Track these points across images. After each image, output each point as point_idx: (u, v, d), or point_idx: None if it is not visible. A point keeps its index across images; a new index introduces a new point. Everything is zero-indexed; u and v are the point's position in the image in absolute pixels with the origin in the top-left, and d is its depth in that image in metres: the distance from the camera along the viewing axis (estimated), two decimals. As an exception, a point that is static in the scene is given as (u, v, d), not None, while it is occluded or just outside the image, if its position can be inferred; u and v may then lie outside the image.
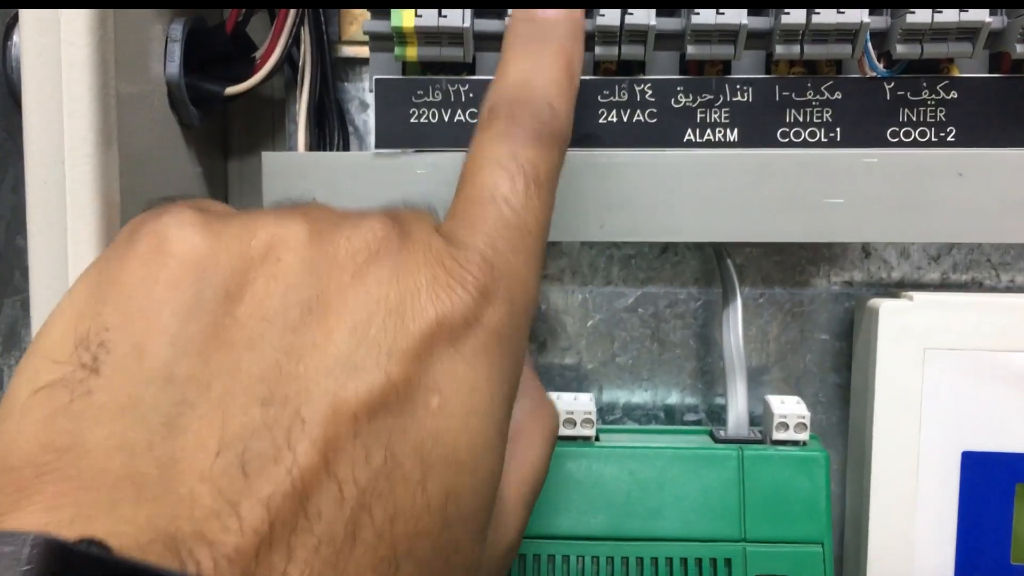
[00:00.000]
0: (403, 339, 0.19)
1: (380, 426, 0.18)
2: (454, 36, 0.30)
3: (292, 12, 0.33)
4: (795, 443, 0.32)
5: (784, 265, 0.37)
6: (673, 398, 0.37)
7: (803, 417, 0.32)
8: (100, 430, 0.17)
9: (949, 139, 0.31)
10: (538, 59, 0.24)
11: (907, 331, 0.32)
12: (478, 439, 0.19)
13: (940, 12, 0.29)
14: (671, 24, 0.30)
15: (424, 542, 0.18)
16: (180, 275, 0.18)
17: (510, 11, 0.26)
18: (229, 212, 0.21)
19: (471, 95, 0.32)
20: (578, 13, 0.26)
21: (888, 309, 0.32)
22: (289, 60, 0.35)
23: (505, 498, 0.22)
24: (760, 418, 0.35)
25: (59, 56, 0.27)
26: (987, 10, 0.29)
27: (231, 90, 0.33)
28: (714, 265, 0.37)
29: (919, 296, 0.32)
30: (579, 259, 0.37)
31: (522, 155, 0.22)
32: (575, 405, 0.33)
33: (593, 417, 0.33)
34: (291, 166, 0.32)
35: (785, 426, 0.32)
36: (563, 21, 0.25)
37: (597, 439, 0.33)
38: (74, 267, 0.27)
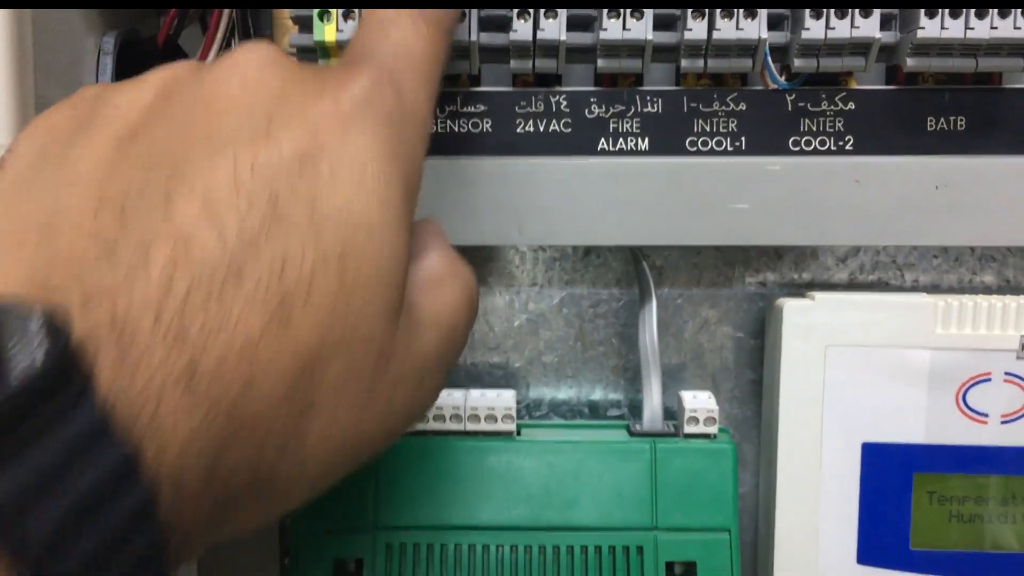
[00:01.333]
0: (288, 113, 0.19)
1: (263, 180, 0.18)
2: (375, 50, 0.31)
3: (223, 23, 0.34)
4: (705, 436, 0.34)
5: (701, 266, 0.38)
6: (597, 394, 0.39)
7: (712, 411, 0.34)
8: None
9: (847, 147, 0.33)
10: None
11: (810, 329, 0.34)
12: (372, 208, 0.19)
13: (833, 28, 0.31)
14: (583, 39, 0.32)
15: (320, 297, 0.18)
16: (81, 101, 0.21)
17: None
18: None
19: (394, 106, 0.33)
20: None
21: (792, 308, 0.34)
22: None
23: (421, 324, 0.22)
24: (676, 412, 0.37)
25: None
26: (879, 26, 0.31)
27: (164, 100, 0.34)
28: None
29: (821, 296, 0.34)
30: (506, 262, 0.39)
31: (408, 11, 0.23)
32: (497, 401, 0.34)
33: (513, 413, 0.34)
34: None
35: (696, 420, 0.34)
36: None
37: (519, 434, 0.35)
38: None
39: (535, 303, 0.39)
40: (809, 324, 0.34)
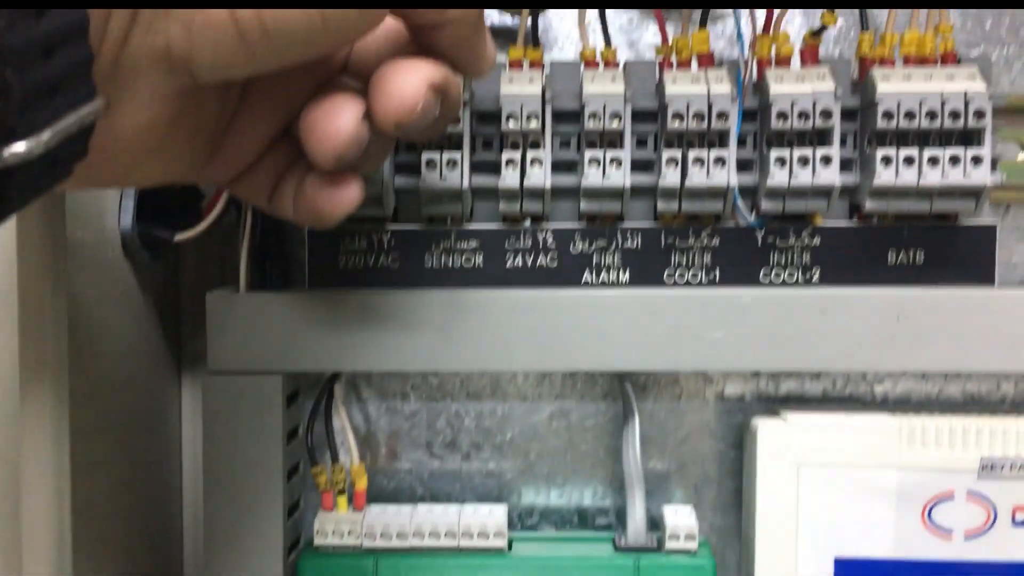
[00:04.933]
0: None
1: None
2: (376, 198, 0.34)
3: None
4: (686, 551, 0.36)
5: (683, 382, 0.41)
6: (586, 501, 0.41)
7: (692, 528, 0.36)
8: None
9: (814, 279, 0.36)
10: None
11: (782, 449, 0.36)
12: None
13: (796, 176, 0.33)
14: (566, 181, 0.35)
15: None
16: None
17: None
18: None
19: (393, 243, 0.36)
20: None
21: (765, 429, 0.36)
22: (235, 203, 0.39)
23: None
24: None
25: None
26: (839, 174, 0.33)
27: (181, 236, 0.37)
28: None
29: (792, 416, 0.36)
30: (497, 376, 0.41)
31: None
32: (488, 518, 0.36)
33: (504, 530, 0.36)
34: (233, 304, 0.36)
35: (677, 537, 0.36)
36: None
37: (510, 548, 0.37)
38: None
39: (527, 416, 0.41)
40: (782, 444, 0.36)
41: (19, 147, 0.17)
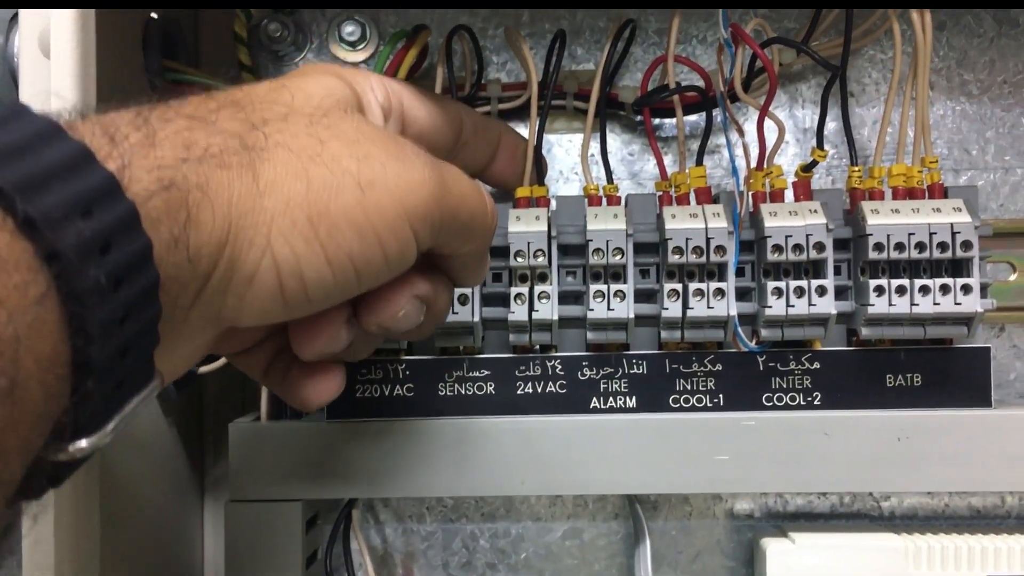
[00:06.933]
0: None
1: None
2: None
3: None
4: (699, 674, 0.37)
5: (692, 500, 0.41)
6: (600, 622, 0.42)
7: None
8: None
9: (816, 403, 0.37)
10: None
11: (791, 571, 0.37)
12: None
13: (793, 306, 0.35)
14: (573, 311, 0.36)
15: None
16: None
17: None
18: None
19: (407, 373, 0.37)
20: None
21: (774, 550, 0.37)
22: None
23: None
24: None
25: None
26: (834, 303, 0.35)
27: (204, 369, 0.38)
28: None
29: (800, 538, 0.37)
30: (510, 497, 0.42)
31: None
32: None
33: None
34: (255, 434, 0.37)
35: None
36: None
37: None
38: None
39: (540, 536, 0.42)
40: (790, 566, 0.37)
41: (83, 443, 0.18)
